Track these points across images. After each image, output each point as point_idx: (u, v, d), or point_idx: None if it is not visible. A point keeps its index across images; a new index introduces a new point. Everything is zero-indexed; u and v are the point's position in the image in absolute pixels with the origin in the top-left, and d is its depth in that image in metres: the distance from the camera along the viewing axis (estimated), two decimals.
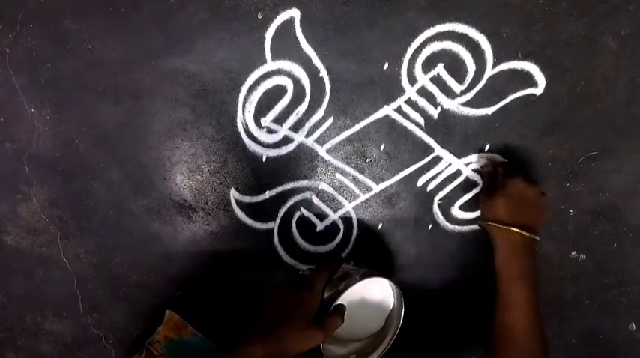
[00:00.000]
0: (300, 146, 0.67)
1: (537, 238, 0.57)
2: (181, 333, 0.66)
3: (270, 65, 0.64)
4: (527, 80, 0.62)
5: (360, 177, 0.68)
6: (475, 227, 0.69)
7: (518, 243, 0.56)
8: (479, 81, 0.63)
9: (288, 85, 0.64)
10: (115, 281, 0.75)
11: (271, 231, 0.70)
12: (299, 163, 0.68)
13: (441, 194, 0.68)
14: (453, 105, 0.64)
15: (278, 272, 0.72)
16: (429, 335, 0.74)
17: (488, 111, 0.64)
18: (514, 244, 0.56)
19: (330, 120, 0.66)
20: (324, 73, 0.64)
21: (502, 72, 0.62)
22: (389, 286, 0.63)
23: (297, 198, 0.69)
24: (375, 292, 0.64)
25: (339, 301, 0.53)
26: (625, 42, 0.61)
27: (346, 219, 0.70)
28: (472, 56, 0.62)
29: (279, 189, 0.69)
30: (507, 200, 0.57)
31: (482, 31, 0.61)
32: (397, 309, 0.63)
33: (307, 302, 0.50)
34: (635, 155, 0.65)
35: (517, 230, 0.56)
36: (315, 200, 0.69)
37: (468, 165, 0.67)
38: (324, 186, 0.69)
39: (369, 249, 0.71)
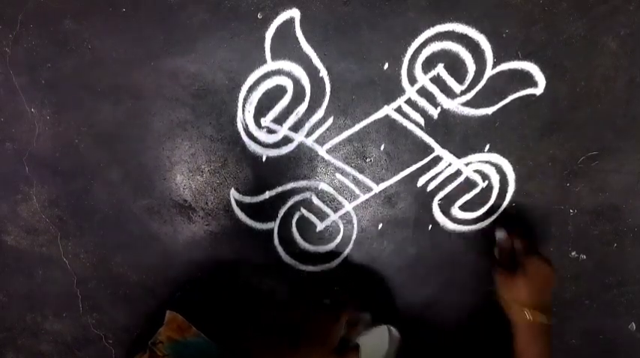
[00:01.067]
0: (300, 146, 0.67)
1: (551, 323, 0.57)
2: (185, 334, 0.66)
3: (270, 65, 0.64)
4: (527, 80, 0.62)
5: (360, 177, 0.68)
6: (474, 227, 0.69)
7: (538, 329, 0.56)
8: (479, 81, 0.63)
9: (288, 85, 0.64)
10: (115, 281, 0.75)
11: (271, 231, 0.70)
12: (299, 163, 0.68)
13: (441, 194, 0.68)
14: (453, 105, 0.64)
15: (278, 272, 0.72)
16: (429, 335, 0.74)
17: (488, 111, 0.64)
18: (535, 330, 0.56)
19: (330, 120, 0.66)
20: (324, 73, 0.64)
21: (502, 72, 0.62)
22: (387, 333, 0.64)
23: (297, 198, 0.69)
24: (374, 336, 0.65)
25: None
26: (625, 42, 0.61)
27: (346, 219, 0.70)
28: (472, 56, 0.62)
29: (279, 189, 0.69)
30: (529, 281, 0.57)
31: (482, 31, 0.61)
32: (391, 352, 0.64)
33: (333, 332, 0.52)
34: (635, 155, 0.65)
35: (540, 317, 0.56)
36: (315, 200, 0.69)
37: (468, 165, 0.67)
38: (324, 186, 0.69)
39: (369, 249, 0.71)
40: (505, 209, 0.67)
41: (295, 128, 0.66)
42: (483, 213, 0.69)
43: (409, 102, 0.64)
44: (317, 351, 0.49)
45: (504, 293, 0.60)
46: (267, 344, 0.49)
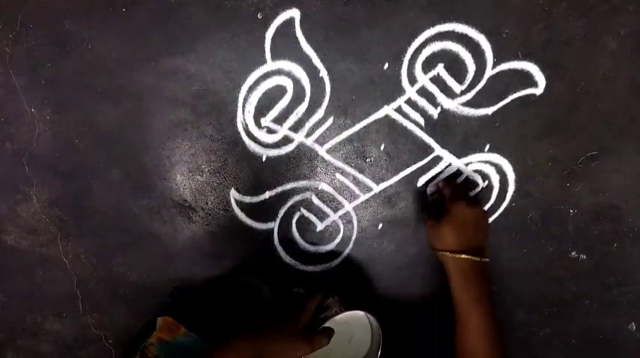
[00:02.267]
0: (300, 146, 0.67)
1: (487, 260, 0.58)
2: (174, 335, 0.66)
3: (270, 65, 0.64)
4: (527, 80, 0.62)
5: (360, 177, 0.68)
6: None
7: (469, 268, 0.57)
8: (479, 81, 0.63)
9: (288, 85, 0.64)
10: (115, 281, 0.75)
11: (271, 231, 0.70)
12: (299, 163, 0.68)
13: None
14: (453, 105, 0.64)
15: (278, 272, 0.72)
16: (429, 334, 0.74)
17: (488, 111, 0.64)
18: (466, 271, 0.57)
19: (330, 120, 0.66)
20: (324, 73, 0.64)
21: (502, 72, 0.62)
22: (367, 322, 0.64)
23: (297, 198, 0.69)
24: (356, 329, 0.65)
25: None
26: (625, 42, 0.61)
27: (346, 219, 0.70)
28: (472, 56, 0.62)
29: (279, 189, 0.69)
30: (453, 226, 0.58)
31: (482, 31, 0.61)
32: (374, 348, 0.64)
33: (302, 317, 0.54)
34: (635, 155, 0.65)
35: (467, 256, 0.56)
36: (315, 200, 0.69)
37: (468, 166, 0.67)
38: (324, 186, 0.69)
39: (369, 249, 0.71)
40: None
41: (295, 128, 0.66)
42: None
43: (409, 102, 0.64)
44: (284, 333, 0.51)
45: (434, 242, 0.60)
46: (241, 333, 0.51)
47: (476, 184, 0.68)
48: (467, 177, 0.67)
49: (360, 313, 0.62)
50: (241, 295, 0.72)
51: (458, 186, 0.65)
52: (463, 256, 0.56)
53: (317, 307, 0.58)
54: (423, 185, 0.67)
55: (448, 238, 0.58)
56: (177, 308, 0.71)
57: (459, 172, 0.67)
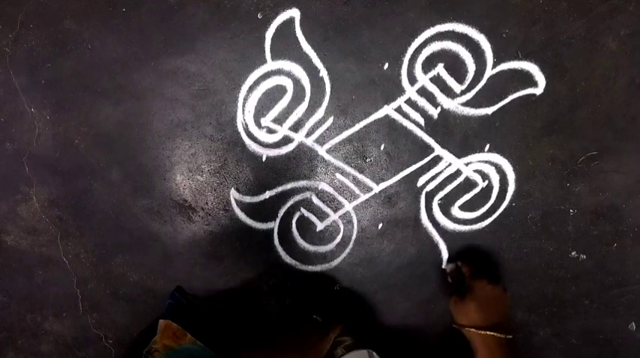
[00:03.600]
0: (300, 146, 0.67)
1: (511, 336, 0.58)
2: (180, 342, 0.66)
3: (270, 65, 0.64)
4: (527, 80, 0.62)
5: (360, 177, 0.68)
6: (475, 227, 0.69)
7: (495, 345, 0.57)
8: (479, 81, 0.63)
9: (288, 85, 0.64)
10: (115, 281, 0.75)
11: (271, 231, 0.70)
12: (299, 163, 0.68)
13: (441, 194, 0.68)
14: (453, 105, 0.64)
15: (278, 272, 0.72)
16: (429, 334, 0.74)
17: (488, 111, 0.64)
18: (492, 347, 0.57)
19: (330, 120, 0.66)
20: (324, 73, 0.64)
21: (502, 72, 0.62)
22: None
23: (297, 198, 0.69)
24: None
25: None
26: (625, 42, 0.61)
27: (346, 219, 0.70)
28: (472, 56, 0.62)
29: (279, 189, 0.69)
30: (478, 303, 0.59)
31: (482, 31, 0.61)
32: None
33: (321, 344, 0.55)
34: (635, 155, 0.65)
35: (493, 333, 0.57)
36: (315, 200, 0.69)
37: (468, 165, 0.67)
38: (324, 186, 0.69)
39: (369, 249, 0.71)
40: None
41: (295, 128, 0.66)
42: (483, 213, 0.69)
43: (409, 102, 0.64)
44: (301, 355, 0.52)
45: (459, 319, 0.61)
46: (256, 349, 0.51)
47: (476, 184, 0.68)
48: (467, 177, 0.67)
49: (363, 352, 0.63)
50: (248, 304, 0.72)
51: (477, 265, 0.66)
52: (489, 333, 0.57)
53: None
54: (445, 264, 0.70)
55: (473, 315, 0.58)
56: (179, 312, 0.71)
57: (474, 250, 0.69)
